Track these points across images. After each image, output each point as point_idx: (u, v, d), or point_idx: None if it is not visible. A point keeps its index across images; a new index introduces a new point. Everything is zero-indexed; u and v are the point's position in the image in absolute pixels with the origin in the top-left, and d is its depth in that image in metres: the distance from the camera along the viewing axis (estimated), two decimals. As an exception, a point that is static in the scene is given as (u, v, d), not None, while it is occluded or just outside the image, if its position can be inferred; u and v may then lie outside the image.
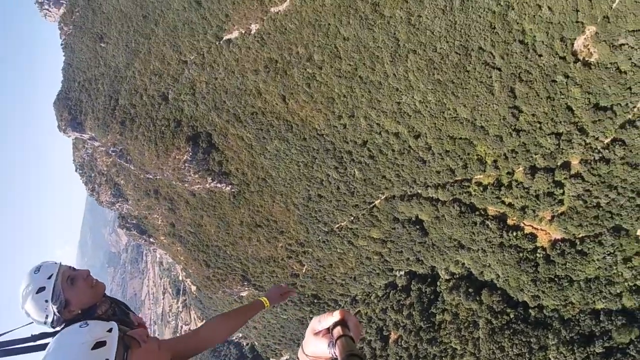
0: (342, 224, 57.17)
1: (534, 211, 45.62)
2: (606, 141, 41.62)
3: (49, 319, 4.37)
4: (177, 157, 61.25)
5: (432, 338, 51.63)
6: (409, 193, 52.20)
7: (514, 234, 47.21)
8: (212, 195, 62.94)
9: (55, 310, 4.34)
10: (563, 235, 45.10)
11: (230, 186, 61.16)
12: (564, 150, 42.99)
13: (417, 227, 52.95)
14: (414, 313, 53.99)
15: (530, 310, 47.79)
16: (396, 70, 47.73)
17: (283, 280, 62.45)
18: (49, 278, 4.37)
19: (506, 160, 45.68)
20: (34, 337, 4.38)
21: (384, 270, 57.74)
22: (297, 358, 2.92)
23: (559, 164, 43.89)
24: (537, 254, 46.57)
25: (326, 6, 49.68)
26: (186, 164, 60.64)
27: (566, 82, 41.18)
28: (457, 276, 52.61)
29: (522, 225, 47.27)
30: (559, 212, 44.86)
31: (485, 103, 44.64)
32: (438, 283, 54.03)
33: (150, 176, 67.21)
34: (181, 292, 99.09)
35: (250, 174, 59.88)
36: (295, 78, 53.45)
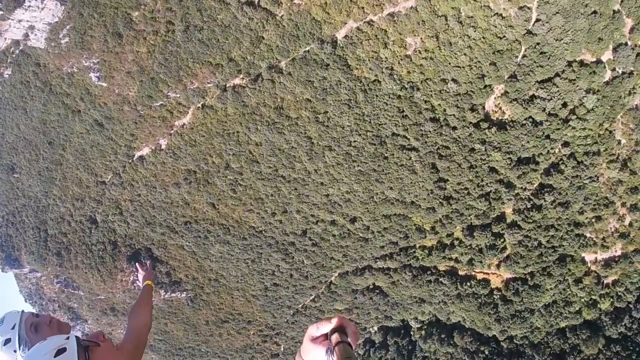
0: (305, 303, 54.45)
1: (480, 262, 44.38)
2: (534, 187, 40.40)
3: None
4: (123, 279, 56.11)
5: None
6: (360, 267, 49.89)
7: (468, 283, 45.84)
8: (170, 303, 58.39)
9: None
10: (514, 275, 44.28)
11: (185, 292, 56.75)
12: (495, 208, 41.64)
13: (377, 291, 50.75)
14: (395, 368, 52.60)
15: (502, 343, 47.18)
16: (317, 167, 44.29)
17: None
18: (13, 328, 4.31)
19: (443, 225, 43.87)
20: None
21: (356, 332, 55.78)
22: None
23: (493, 217, 42.60)
24: (494, 296, 45.48)
25: (230, 115, 45.09)
26: (134, 285, 55.74)
27: (485, 148, 39.34)
28: (427, 322, 51.25)
29: (473, 273, 46.14)
30: (504, 256, 43.86)
31: (411, 182, 42.23)
32: (411, 333, 52.37)
33: (102, 297, 61.80)
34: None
35: (201, 277, 55.59)
36: (218, 186, 48.97)
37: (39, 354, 3.00)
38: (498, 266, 44.53)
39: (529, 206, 40.84)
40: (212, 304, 56.95)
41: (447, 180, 41.57)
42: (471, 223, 43.30)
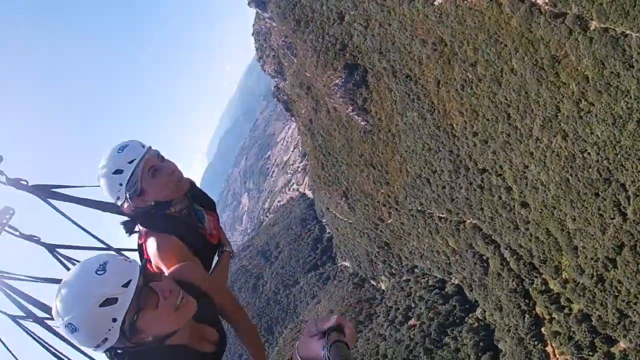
0: (434, 215, 55.60)
1: (561, 344, 41.23)
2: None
3: (119, 202, 3.61)
4: (330, 76, 60.45)
5: (430, 350, 52.40)
6: (491, 238, 48.19)
7: (537, 341, 43.84)
8: (349, 119, 62.94)
9: (128, 196, 3.56)
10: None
11: (364, 122, 60.38)
12: (617, 330, 36.65)
13: (484, 265, 50.04)
14: (434, 321, 54.48)
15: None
16: (540, 138, 39.47)
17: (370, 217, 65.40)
18: (130, 162, 3.51)
19: (574, 290, 39.70)
20: (103, 204, 3.86)
21: (445, 269, 57.34)
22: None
23: (606, 334, 38.04)
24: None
25: (511, 26, 39.77)
26: (335, 87, 60.20)
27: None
28: (483, 324, 50.83)
29: (548, 341, 43.38)
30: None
31: (592, 235, 36.72)
32: (470, 314, 52.86)
33: (308, 75, 67.90)
34: (306, 157, 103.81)
35: (385, 123, 57.85)
36: (455, 72, 46.45)
37: (87, 293, 2.23)
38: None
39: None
40: (376, 147, 60.61)
41: (616, 266, 35.66)
42: (590, 316, 38.92)
